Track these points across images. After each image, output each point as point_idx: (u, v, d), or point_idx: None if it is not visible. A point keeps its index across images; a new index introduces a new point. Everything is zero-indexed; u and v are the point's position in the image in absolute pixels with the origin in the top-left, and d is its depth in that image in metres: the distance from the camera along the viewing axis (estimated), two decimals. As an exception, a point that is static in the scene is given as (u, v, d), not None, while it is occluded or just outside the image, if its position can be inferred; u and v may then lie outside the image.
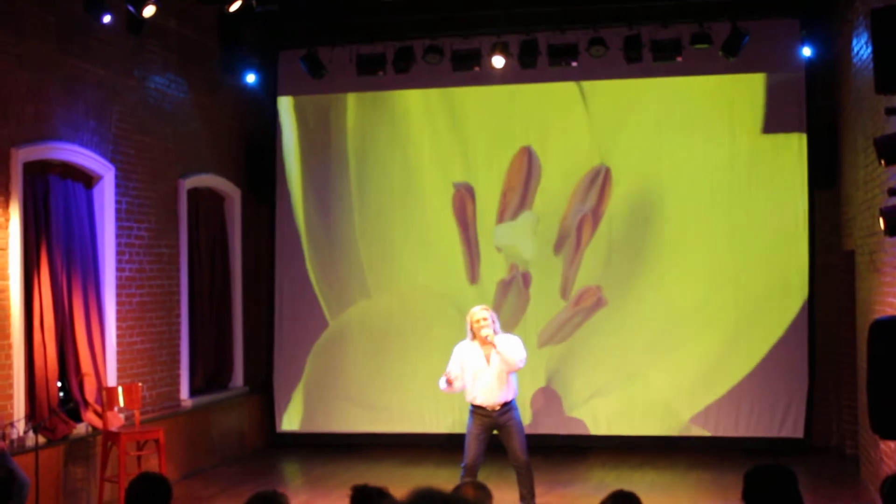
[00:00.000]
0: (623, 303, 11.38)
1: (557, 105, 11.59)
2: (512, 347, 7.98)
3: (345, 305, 11.98)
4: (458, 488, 4.26)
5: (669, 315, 11.25)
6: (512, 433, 7.98)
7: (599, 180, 11.44)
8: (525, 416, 11.16)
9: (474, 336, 8.00)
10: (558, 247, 11.54)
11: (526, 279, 11.59)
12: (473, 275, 11.70)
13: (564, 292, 11.52)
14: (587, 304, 11.46)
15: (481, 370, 7.96)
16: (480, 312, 8.00)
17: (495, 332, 8.00)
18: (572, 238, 11.49)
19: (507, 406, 7.98)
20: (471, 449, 7.97)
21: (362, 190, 11.99)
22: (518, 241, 11.63)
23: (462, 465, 8.01)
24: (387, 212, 11.93)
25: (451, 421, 11.47)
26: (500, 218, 11.70)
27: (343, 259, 11.99)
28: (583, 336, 11.45)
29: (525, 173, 11.63)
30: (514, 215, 11.67)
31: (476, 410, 8.00)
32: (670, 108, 11.37)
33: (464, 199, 11.75)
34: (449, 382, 7.94)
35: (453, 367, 8.01)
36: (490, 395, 7.94)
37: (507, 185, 11.68)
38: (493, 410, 7.95)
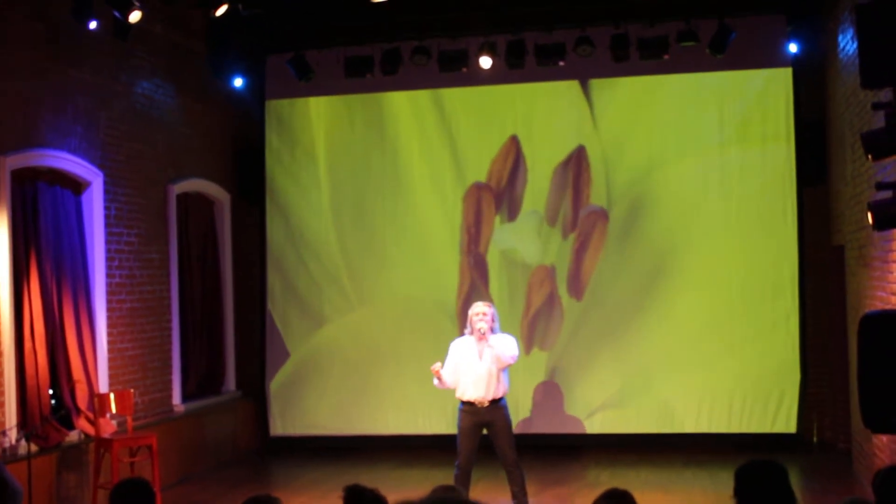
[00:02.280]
0: (613, 301, 11.38)
1: (549, 103, 11.59)
2: (504, 345, 8.00)
3: (335, 310, 11.95)
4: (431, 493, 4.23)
5: (660, 313, 11.25)
6: (500, 431, 7.99)
7: (573, 162, 11.45)
8: (523, 412, 11.24)
9: (472, 330, 8.03)
10: (551, 223, 11.55)
11: (485, 275, 11.58)
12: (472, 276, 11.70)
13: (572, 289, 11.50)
14: (546, 291, 11.44)
15: (473, 365, 7.99)
16: (481, 307, 8.06)
17: (493, 331, 8.03)
18: (571, 237, 11.48)
19: (496, 403, 7.99)
20: (463, 448, 7.98)
21: (350, 193, 11.96)
22: (520, 242, 11.61)
23: (456, 463, 8.02)
24: (377, 216, 11.89)
25: (445, 422, 11.46)
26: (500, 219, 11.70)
27: (328, 265, 11.96)
28: (576, 335, 11.45)
29: (523, 171, 11.59)
30: (514, 216, 11.65)
31: (465, 407, 8.03)
32: (660, 105, 11.38)
33: (480, 199, 11.71)
34: (438, 378, 8.04)
35: (446, 368, 8.07)
36: (479, 390, 7.96)
37: (502, 184, 11.66)
38: (482, 406, 7.96)
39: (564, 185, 11.50)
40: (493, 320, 8.04)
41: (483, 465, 8.51)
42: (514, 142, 11.61)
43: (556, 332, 11.48)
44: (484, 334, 7.95)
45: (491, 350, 7.94)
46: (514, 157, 11.61)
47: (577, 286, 11.50)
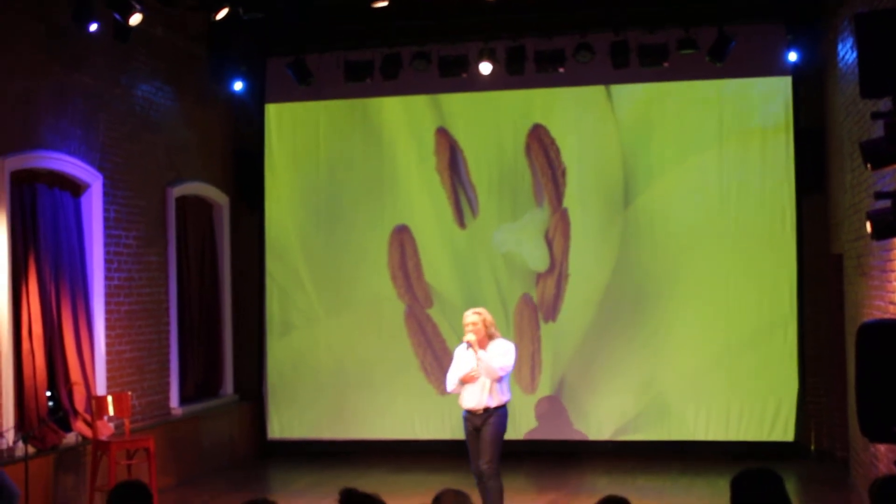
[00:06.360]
0: (609, 308, 11.38)
1: (545, 111, 11.62)
2: (494, 355, 7.82)
3: (330, 312, 11.94)
4: (439, 497, 4.23)
5: (659, 319, 11.25)
6: (483, 438, 7.81)
7: (534, 144, 11.52)
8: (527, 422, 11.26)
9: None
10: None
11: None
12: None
13: (547, 310, 11.51)
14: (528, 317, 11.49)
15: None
16: (470, 317, 7.91)
17: (490, 337, 7.87)
18: (556, 237, 11.50)
19: (490, 411, 7.85)
20: (472, 454, 7.93)
21: (349, 197, 11.96)
22: (522, 245, 11.60)
23: (472, 469, 7.96)
24: (375, 219, 11.89)
25: (442, 428, 11.47)
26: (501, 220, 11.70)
27: (325, 267, 11.95)
28: (575, 345, 11.44)
29: (531, 169, 11.61)
30: (517, 216, 11.67)
31: (466, 414, 7.98)
32: (660, 113, 11.38)
33: (403, 244, 11.76)
34: (466, 381, 7.86)
35: (452, 373, 7.99)
36: (474, 398, 7.87)
37: (502, 185, 11.69)
38: (476, 414, 7.89)
39: (536, 168, 11.53)
40: (487, 327, 7.87)
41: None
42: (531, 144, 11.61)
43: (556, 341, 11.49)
44: (472, 345, 7.83)
45: (479, 361, 7.81)
46: (531, 162, 11.61)
47: (555, 306, 11.48)
